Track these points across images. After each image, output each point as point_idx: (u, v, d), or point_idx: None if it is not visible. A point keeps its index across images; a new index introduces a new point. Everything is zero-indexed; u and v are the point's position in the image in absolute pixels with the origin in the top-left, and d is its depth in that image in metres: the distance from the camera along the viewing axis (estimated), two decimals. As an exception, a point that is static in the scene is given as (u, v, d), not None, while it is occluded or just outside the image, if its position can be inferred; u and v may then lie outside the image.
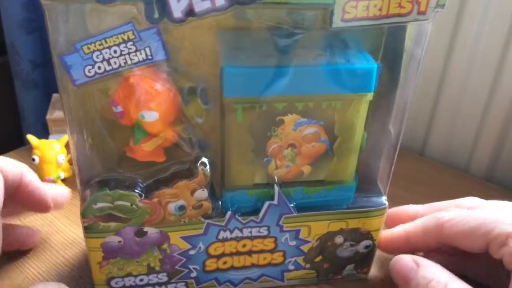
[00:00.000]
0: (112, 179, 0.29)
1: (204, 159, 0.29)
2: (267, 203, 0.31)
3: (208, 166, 0.29)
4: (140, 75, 0.27)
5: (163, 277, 0.33)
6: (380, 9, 0.23)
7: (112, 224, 0.30)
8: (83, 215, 0.29)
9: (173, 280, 0.33)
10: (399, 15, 0.24)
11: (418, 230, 0.33)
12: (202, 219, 0.31)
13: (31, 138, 0.42)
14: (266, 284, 0.35)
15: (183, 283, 0.34)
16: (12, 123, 0.75)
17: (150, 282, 0.33)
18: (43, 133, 0.48)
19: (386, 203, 0.33)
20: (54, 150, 0.42)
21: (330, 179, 0.32)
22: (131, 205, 0.29)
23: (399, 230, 0.35)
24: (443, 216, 0.32)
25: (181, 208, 0.30)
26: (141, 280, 0.33)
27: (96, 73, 0.25)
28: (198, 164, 0.29)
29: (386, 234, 0.35)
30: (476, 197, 0.34)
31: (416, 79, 0.28)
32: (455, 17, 0.44)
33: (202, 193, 0.30)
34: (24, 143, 0.66)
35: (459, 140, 0.48)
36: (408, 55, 0.28)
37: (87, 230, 0.30)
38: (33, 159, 0.41)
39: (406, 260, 0.32)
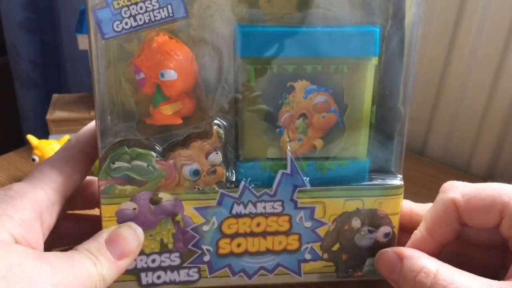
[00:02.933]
0: (131, 140, 0.30)
1: (219, 121, 0.30)
2: (280, 172, 0.31)
3: (222, 127, 0.30)
4: (163, 40, 0.30)
5: (175, 259, 0.32)
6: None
7: (128, 188, 0.30)
8: (101, 176, 0.30)
9: (185, 264, 0.33)
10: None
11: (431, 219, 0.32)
12: (216, 188, 0.31)
13: (31, 138, 0.43)
14: (282, 279, 0.34)
15: (195, 269, 0.33)
16: (12, 123, 0.77)
17: (162, 264, 0.32)
18: (43, 133, 0.49)
19: (402, 182, 0.32)
20: (54, 150, 0.42)
21: (342, 155, 0.32)
22: (148, 166, 0.30)
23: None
24: (454, 197, 0.30)
25: (196, 172, 0.31)
26: (153, 261, 0.32)
27: (123, 28, 0.28)
28: (212, 124, 0.30)
29: None
30: None
31: (417, 44, 0.30)
32: (455, 17, 0.47)
33: (216, 156, 0.30)
34: (24, 143, 0.67)
35: (459, 140, 0.48)
36: (409, 18, 0.30)
37: (104, 194, 0.30)
38: (33, 159, 0.43)
39: (387, 254, 0.31)
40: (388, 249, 0.31)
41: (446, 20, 0.48)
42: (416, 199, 0.36)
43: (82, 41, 0.44)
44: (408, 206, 0.35)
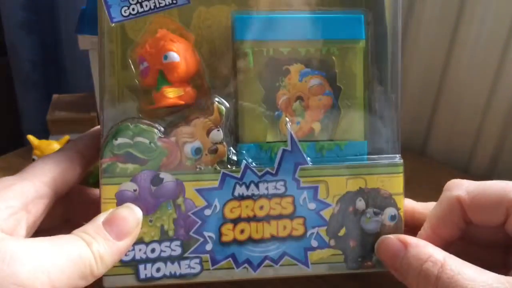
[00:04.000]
0: (134, 119, 0.31)
1: (219, 98, 0.31)
2: (281, 149, 0.31)
3: (223, 105, 0.31)
4: (165, 32, 0.32)
5: (176, 248, 0.31)
6: None
7: (130, 167, 0.30)
8: (104, 154, 0.30)
9: (186, 254, 0.31)
10: None
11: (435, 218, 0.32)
12: (218, 168, 0.31)
13: (31, 138, 0.43)
14: (288, 271, 0.32)
15: (197, 260, 0.31)
16: (12, 123, 0.73)
17: (162, 254, 0.31)
18: (43, 133, 0.49)
19: (401, 160, 0.33)
20: (54, 151, 0.40)
21: (340, 138, 0.33)
22: (150, 143, 0.30)
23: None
24: (458, 194, 0.30)
25: (197, 151, 0.31)
26: (153, 250, 0.31)
27: (130, 14, 0.31)
28: (213, 100, 0.31)
29: None
30: None
31: (399, 27, 0.33)
32: (455, 17, 0.48)
33: (218, 134, 0.31)
34: (24, 143, 0.63)
35: (459, 140, 0.48)
36: (389, 5, 0.33)
37: (105, 172, 0.30)
38: (33, 160, 0.42)
39: (390, 240, 0.30)
40: (391, 235, 0.30)
41: (446, 20, 0.50)
42: (416, 199, 0.36)
43: (82, 41, 0.45)
44: (410, 205, 0.35)
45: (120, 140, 0.30)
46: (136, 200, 0.30)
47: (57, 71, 0.80)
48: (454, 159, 0.51)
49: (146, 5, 0.31)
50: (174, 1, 0.31)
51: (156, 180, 0.30)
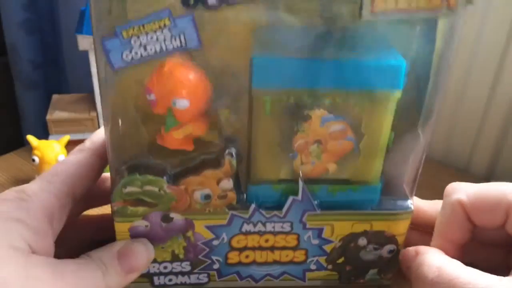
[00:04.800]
0: (142, 165, 0.30)
1: (231, 150, 0.30)
2: (290, 198, 0.31)
3: (234, 157, 0.30)
4: (175, 64, 0.28)
5: (186, 266, 0.34)
6: (409, 3, 0.24)
7: (140, 209, 0.31)
8: (113, 198, 0.30)
9: (195, 271, 0.34)
10: (429, 9, 0.24)
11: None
12: (227, 210, 0.31)
13: (31, 138, 0.43)
14: (287, 284, 0.35)
15: (205, 274, 0.34)
16: (12, 123, 0.77)
17: (174, 270, 0.34)
18: (43, 134, 0.49)
19: (412, 207, 0.33)
20: (54, 151, 0.42)
21: (355, 179, 0.32)
22: (159, 190, 0.30)
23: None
24: (459, 197, 0.30)
25: (207, 197, 0.31)
26: (165, 267, 0.34)
27: (132, 58, 0.27)
28: (225, 154, 0.29)
29: None
30: None
31: (445, 80, 0.28)
32: None
33: (228, 183, 0.30)
34: (24, 143, 0.67)
35: (459, 140, 0.48)
36: (438, 54, 0.28)
37: (116, 214, 0.31)
38: (33, 160, 0.42)
39: (408, 250, 0.31)
40: (411, 248, 0.31)
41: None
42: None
43: (82, 42, 0.42)
44: (416, 203, 0.35)
45: (129, 189, 0.30)
46: (148, 233, 0.32)
47: (57, 71, 0.74)
48: (454, 159, 0.49)
49: (151, 49, 0.27)
50: (183, 45, 0.27)
51: (166, 218, 0.31)
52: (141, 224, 0.31)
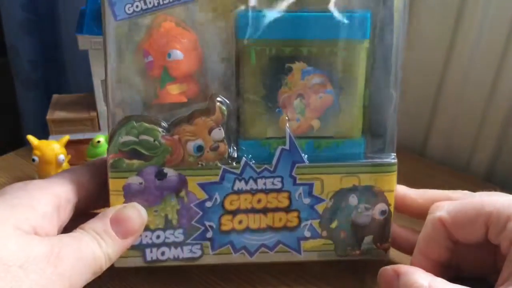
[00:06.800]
0: (138, 116, 0.32)
1: (221, 98, 0.32)
2: (279, 148, 0.33)
3: (225, 104, 0.32)
4: (170, 25, 0.32)
5: (179, 235, 0.33)
6: None
7: (135, 162, 0.32)
8: (110, 150, 0.32)
9: (188, 241, 0.34)
10: None
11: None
12: (219, 165, 0.33)
13: (31, 138, 0.44)
14: (283, 257, 0.35)
15: (198, 246, 0.34)
16: (12, 123, 0.76)
17: (167, 240, 0.33)
18: (43, 133, 0.49)
19: (395, 160, 0.34)
20: (54, 150, 0.43)
21: (338, 135, 0.34)
22: (154, 140, 0.32)
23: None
24: (440, 215, 0.31)
25: (199, 148, 0.32)
26: (158, 237, 0.33)
27: (134, 11, 0.31)
28: (215, 101, 0.32)
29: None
30: (467, 191, 0.35)
31: (404, 29, 0.33)
32: (455, 17, 0.48)
33: (219, 133, 0.32)
34: (24, 143, 0.65)
35: (459, 140, 0.49)
36: (397, 3, 0.32)
37: (112, 167, 0.32)
38: (33, 159, 0.43)
39: (386, 270, 0.31)
40: (388, 267, 0.31)
41: (446, 20, 0.49)
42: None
43: (82, 42, 0.46)
44: (402, 190, 0.36)
45: (125, 138, 0.32)
46: (141, 192, 0.32)
47: (57, 71, 0.78)
48: (454, 159, 0.51)
49: (150, 2, 0.31)
50: (178, -2, 0.31)
51: (160, 174, 0.32)
52: (135, 181, 0.32)
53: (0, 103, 0.83)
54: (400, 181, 0.35)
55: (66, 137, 0.45)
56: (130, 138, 0.32)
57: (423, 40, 0.52)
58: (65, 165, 0.45)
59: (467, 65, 0.49)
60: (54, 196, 0.30)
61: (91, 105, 0.51)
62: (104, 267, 0.29)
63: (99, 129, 0.50)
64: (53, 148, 0.43)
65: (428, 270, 0.30)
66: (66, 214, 0.31)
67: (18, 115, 0.79)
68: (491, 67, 0.47)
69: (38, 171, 0.43)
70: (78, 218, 0.33)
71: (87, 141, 0.47)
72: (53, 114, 0.50)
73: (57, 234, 0.30)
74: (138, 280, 0.35)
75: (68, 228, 0.31)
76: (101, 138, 0.45)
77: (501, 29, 0.46)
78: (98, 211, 0.36)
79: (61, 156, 0.43)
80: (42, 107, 0.69)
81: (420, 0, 0.51)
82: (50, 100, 0.53)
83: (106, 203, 0.34)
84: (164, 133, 0.32)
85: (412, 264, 0.33)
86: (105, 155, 0.33)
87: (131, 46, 0.32)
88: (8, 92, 0.79)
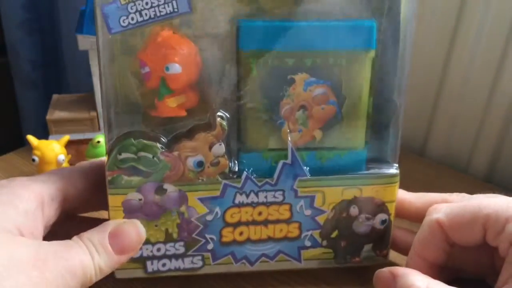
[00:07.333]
0: (136, 132, 0.31)
1: (222, 113, 0.31)
2: (281, 163, 0.32)
3: (225, 119, 0.31)
4: (168, 35, 0.30)
5: (180, 248, 0.33)
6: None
7: (134, 179, 0.31)
8: (109, 167, 0.31)
9: (189, 252, 0.34)
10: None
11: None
12: (220, 179, 0.32)
13: (31, 138, 0.43)
14: (283, 265, 0.35)
15: (199, 257, 0.34)
16: (12, 123, 0.76)
17: (167, 253, 0.33)
18: (43, 133, 0.49)
19: (398, 171, 0.34)
20: (54, 151, 0.43)
21: (341, 146, 0.33)
22: (153, 157, 0.31)
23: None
24: (437, 217, 0.31)
25: (199, 164, 0.32)
26: (158, 249, 0.33)
27: (129, 23, 0.29)
28: (216, 116, 0.31)
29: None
30: (464, 193, 0.35)
31: (411, 39, 0.31)
32: (455, 17, 0.47)
33: (220, 148, 0.31)
34: (24, 143, 0.66)
35: (459, 140, 0.49)
36: (404, 13, 0.31)
37: (111, 184, 0.31)
38: (33, 160, 0.43)
39: (383, 272, 0.31)
40: (384, 269, 0.31)
41: (446, 20, 0.49)
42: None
43: (82, 42, 0.45)
44: (400, 194, 0.36)
45: (124, 155, 0.31)
46: (141, 208, 0.32)
47: (57, 71, 0.77)
48: (454, 159, 0.51)
49: (146, 14, 0.29)
50: (176, 10, 0.29)
51: (160, 190, 0.32)
52: (134, 197, 0.32)
53: (0, 103, 0.81)
54: (400, 181, 0.35)
55: (66, 137, 0.44)
56: (129, 155, 0.31)
57: (423, 40, 0.51)
58: (65, 165, 0.44)
59: (467, 65, 0.49)
60: (37, 193, 0.29)
61: (91, 105, 0.50)
62: (95, 279, 0.28)
63: (99, 129, 0.50)
64: (53, 148, 0.43)
65: (423, 271, 0.31)
66: (51, 212, 0.30)
67: (18, 115, 0.78)
68: (491, 67, 0.47)
69: (38, 171, 0.43)
70: (68, 221, 0.33)
71: (87, 141, 0.46)
72: (53, 114, 0.49)
73: (43, 233, 0.29)
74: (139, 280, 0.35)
75: (58, 231, 0.31)
76: (101, 138, 0.44)
77: (501, 30, 0.46)
78: (93, 215, 0.36)
79: (61, 156, 0.43)
80: (42, 107, 0.69)
81: (421, 1, 0.50)
82: (50, 100, 0.52)
83: (100, 206, 0.33)
84: (163, 150, 0.31)
85: (407, 265, 0.33)
86: (104, 156, 0.32)
87: (126, 50, 0.30)
88: (8, 92, 0.78)
